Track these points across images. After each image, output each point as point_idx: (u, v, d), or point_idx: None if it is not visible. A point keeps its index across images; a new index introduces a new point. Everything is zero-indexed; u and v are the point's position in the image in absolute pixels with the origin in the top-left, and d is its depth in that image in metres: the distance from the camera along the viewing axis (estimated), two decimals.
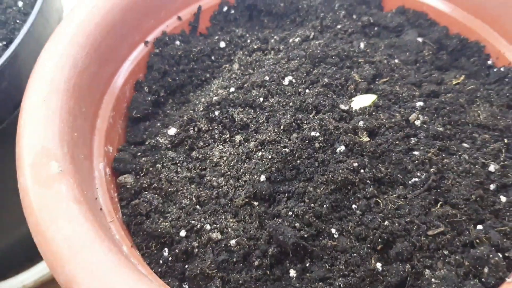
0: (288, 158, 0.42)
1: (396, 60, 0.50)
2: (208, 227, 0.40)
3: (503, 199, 0.40)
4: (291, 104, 0.46)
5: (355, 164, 0.41)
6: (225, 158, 0.44)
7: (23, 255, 0.61)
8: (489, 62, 0.50)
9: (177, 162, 0.45)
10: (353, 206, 0.39)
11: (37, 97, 0.40)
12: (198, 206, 0.42)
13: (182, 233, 0.40)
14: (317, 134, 0.43)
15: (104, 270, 0.31)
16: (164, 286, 0.35)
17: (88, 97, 0.44)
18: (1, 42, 0.56)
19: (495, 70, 0.49)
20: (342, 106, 0.45)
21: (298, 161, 0.42)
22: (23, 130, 0.38)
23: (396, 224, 0.37)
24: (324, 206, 0.39)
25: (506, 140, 0.44)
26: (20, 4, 0.61)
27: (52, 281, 0.63)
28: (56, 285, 0.33)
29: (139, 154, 0.47)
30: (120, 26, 0.48)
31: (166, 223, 0.41)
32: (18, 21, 0.59)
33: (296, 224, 0.38)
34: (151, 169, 0.45)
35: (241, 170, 0.43)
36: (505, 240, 0.37)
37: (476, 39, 0.51)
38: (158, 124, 0.49)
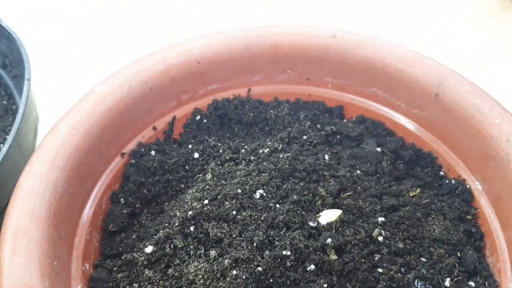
0: (261, 277, 0.45)
1: (358, 171, 0.54)
2: None
3: None
4: (262, 218, 0.49)
5: (325, 285, 0.43)
6: (200, 276, 0.46)
7: None
8: (441, 173, 0.55)
9: (154, 281, 0.46)
10: None
11: (18, 228, 0.41)
12: None
13: None
14: (288, 253, 0.45)
15: None
16: None
17: (67, 219, 0.45)
18: None
19: (446, 181, 0.54)
20: (311, 223, 0.48)
21: (271, 280, 0.45)
22: (4, 266, 0.39)
23: None
24: None
25: (459, 254, 0.48)
26: None
27: None
28: None
29: (115, 269, 0.48)
30: (98, 144, 0.50)
31: None
32: None
33: None
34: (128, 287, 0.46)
35: None
36: None
37: (429, 150, 0.56)
38: (134, 236, 0.51)
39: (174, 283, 0.46)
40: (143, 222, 0.52)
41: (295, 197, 0.50)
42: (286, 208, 0.49)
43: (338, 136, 0.59)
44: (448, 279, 0.46)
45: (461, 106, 0.52)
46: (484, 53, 0.91)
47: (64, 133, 0.47)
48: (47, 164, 0.45)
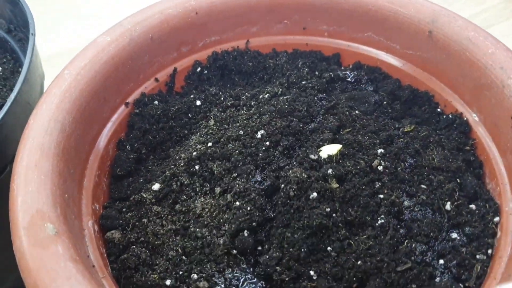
0: (265, 207, 0.46)
1: (357, 111, 0.56)
2: (195, 276, 0.43)
3: (457, 236, 0.45)
4: (264, 155, 0.50)
5: (328, 209, 0.45)
6: (207, 210, 0.48)
7: None
8: (438, 110, 0.56)
9: (162, 216, 0.48)
10: (328, 248, 0.43)
11: (29, 162, 0.42)
12: (184, 257, 0.45)
13: (171, 283, 0.43)
14: (292, 183, 0.47)
15: None
16: None
17: (75, 159, 0.47)
18: None
19: (444, 117, 0.55)
20: (312, 156, 0.49)
21: (275, 208, 0.46)
22: (17, 194, 0.40)
23: (368, 263, 0.41)
24: (302, 250, 0.43)
25: (458, 180, 0.49)
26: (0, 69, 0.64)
27: None
28: None
29: (124, 210, 0.49)
30: (102, 91, 0.51)
31: (155, 275, 0.43)
32: None
33: (277, 268, 0.42)
34: (137, 223, 0.47)
35: (222, 221, 0.46)
36: (462, 271, 0.42)
37: (425, 89, 0.57)
38: (141, 180, 0.52)
39: (182, 217, 0.48)
40: (150, 167, 0.54)
41: (296, 132, 0.51)
42: (288, 143, 0.50)
43: (336, 83, 0.60)
44: (448, 203, 0.47)
45: (454, 40, 0.53)
46: None
47: (69, 78, 0.49)
48: (54, 105, 0.46)
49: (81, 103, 0.48)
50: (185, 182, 0.49)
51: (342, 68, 0.62)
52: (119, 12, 0.99)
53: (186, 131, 0.56)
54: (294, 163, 0.49)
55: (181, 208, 0.48)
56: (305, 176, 0.47)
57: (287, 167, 0.48)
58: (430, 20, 0.54)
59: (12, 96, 0.49)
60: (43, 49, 0.88)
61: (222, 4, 0.58)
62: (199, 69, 0.60)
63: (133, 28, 0.54)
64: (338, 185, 0.47)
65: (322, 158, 0.50)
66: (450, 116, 0.55)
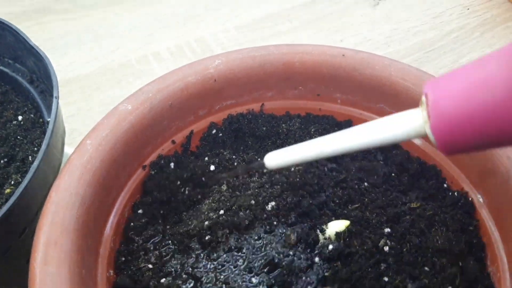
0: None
1: (366, 184, 0.57)
2: None
3: None
4: (276, 233, 0.52)
5: None
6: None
7: None
8: (445, 185, 0.58)
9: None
10: None
11: (50, 239, 0.44)
12: None
13: None
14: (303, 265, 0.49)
15: None
16: None
17: (93, 230, 0.49)
18: (3, 160, 0.61)
19: (450, 194, 0.57)
20: (320, 235, 0.51)
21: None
22: (36, 275, 0.42)
23: None
24: None
25: (460, 263, 0.51)
26: (20, 118, 0.67)
27: None
28: None
29: (135, 277, 0.51)
30: (122, 158, 0.53)
31: None
32: (18, 137, 0.64)
33: None
34: None
35: None
36: None
37: (433, 164, 0.59)
38: (150, 246, 0.54)
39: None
40: (161, 231, 0.56)
41: (305, 208, 0.53)
42: (298, 219, 0.52)
43: None
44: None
45: None
46: None
47: (91, 149, 0.51)
48: (75, 178, 0.48)
49: (101, 173, 0.50)
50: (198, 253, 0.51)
51: None
52: (135, 30, 1.02)
53: (199, 196, 0.57)
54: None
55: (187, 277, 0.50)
56: (317, 259, 0.49)
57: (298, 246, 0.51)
58: None
59: (36, 163, 0.51)
60: (61, 73, 0.90)
61: (241, 72, 0.60)
62: (214, 131, 0.62)
63: (153, 96, 0.56)
64: (344, 267, 0.49)
65: (328, 235, 0.51)
66: (456, 194, 0.56)
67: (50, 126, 0.53)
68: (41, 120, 0.66)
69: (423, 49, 1.01)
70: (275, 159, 0.47)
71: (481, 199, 0.54)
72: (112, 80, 0.91)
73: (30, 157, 0.61)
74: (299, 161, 0.46)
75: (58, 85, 0.57)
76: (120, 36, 1.02)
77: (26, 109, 0.67)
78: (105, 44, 0.99)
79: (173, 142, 0.60)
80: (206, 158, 0.60)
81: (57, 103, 0.56)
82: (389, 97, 0.59)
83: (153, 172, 0.58)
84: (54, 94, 0.57)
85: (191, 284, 0.50)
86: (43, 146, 0.52)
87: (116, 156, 0.52)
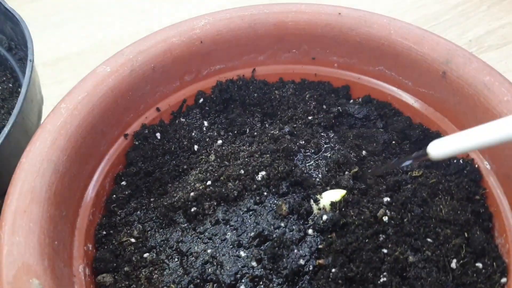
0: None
1: (364, 152, 0.53)
2: None
3: None
4: (263, 201, 0.48)
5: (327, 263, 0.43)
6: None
7: None
8: None
9: (155, 262, 0.46)
10: None
11: (18, 207, 0.41)
12: None
13: None
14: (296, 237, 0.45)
15: None
16: None
17: (69, 199, 0.45)
18: None
19: (454, 161, 0.53)
20: (314, 206, 0.47)
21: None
22: (3, 244, 0.39)
23: None
24: None
25: (466, 234, 0.47)
26: None
27: None
28: None
29: (117, 252, 0.48)
30: (100, 124, 0.49)
31: None
32: None
33: None
34: (128, 269, 0.46)
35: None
36: None
37: (437, 130, 0.55)
38: (135, 219, 0.51)
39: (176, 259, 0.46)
40: (146, 204, 0.52)
41: (298, 177, 0.49)
42: (290, 189, 0.49)
43: (345, 118, 0.58)
44: (454, 260, 0.45)
45: (469, 84, 0.50)
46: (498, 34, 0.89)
47: (65, 113, 0.47)
48: (48, 143, 0.45)
49: (76, 139, 0.47)
50: (183, 226, 0.48)
51: (351, 101, 0.59)
52: (128, 7, 0.98)
53: (185, 166, 0.54)
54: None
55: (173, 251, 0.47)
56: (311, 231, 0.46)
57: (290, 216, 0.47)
58: (445, 60, 0.52)
59: (6, 129, 0.47)
60: (51, 51, 0.87)
61: (229, 33, 0.56)
62: (201, 99, 0.58)
63: (134, 58, 0.52)
64: (338, 239, 0.45)
65: (323, 205, 0.48)
66: (461, 161, 0.52)
67: (23, 90, 0.50)
68: (19, 89, 0.62)
69: (427, 23, 0.96)
70: (442, 147, 0.40)
71: (488, 166, 0.50)
72: (104, 58, 0.87)
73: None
74: (472, 149, 0.39)
75: (47, 62, 0.53)
76: (112, 13, 0.98)
77: (4, 78, 0.64)
78: (96, 22, 0.95)
79: (158, 109, 0.56)
80: (193, 128, 0.57)
81: (32, 66, 0.52)
82: (389, 58, 0.55)
83: (137, 143, 0.54)
84: (29, 58, 0.53)
85: (176, 259, 0.47)
86: (15, 111, 0.48)
87: (93, 122, 0.49)
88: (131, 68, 0.51)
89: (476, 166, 0.51)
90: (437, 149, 0.40)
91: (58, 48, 0.89)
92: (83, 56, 0.88)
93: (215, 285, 0.44)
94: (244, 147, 0.54)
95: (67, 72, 0.85)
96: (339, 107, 0.57)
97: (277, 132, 0.54)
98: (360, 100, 0.59)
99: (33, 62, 0.53)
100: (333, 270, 0.43)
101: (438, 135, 0.55)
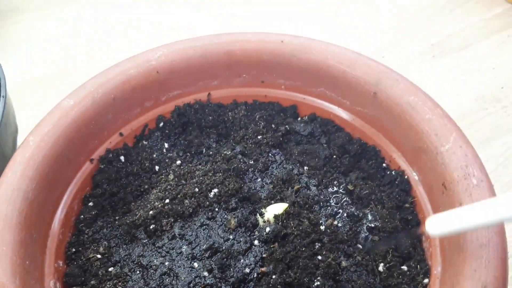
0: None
1: (306, 168, 0.59)
2: None
3: None
4: (217, 218, 0.54)
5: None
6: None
7: None
8: (384, 165, 0.60)
9: (119, 275, 0.52)
10: None
11: None
12: None
13: None
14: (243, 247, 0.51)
15: None
16: None
17: (39, 223, 0.51)
18: None
19: (388, 172, 0.59)
20: (260, 219, 0.53)
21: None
22: None
23: None
24: None
25: (394, 240, 0.53)
26: None
27: None
28: None
29: (85, 267, 0.54)
30: (66, 152, 0.55)
31: None
32: None
33: None
34: (94, 283, 0.52)
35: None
36: None
37: (373, 144, 0.61)
38: (100, 236, 0.56)
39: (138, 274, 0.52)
40: (111, 222, 0.58)
41: (245, 193, 0.55)
42: (239, 204, 0.54)
43: (291, 136, 0.64)
44: (381, 264, 0.51)
45: (396, 103, 0.56)
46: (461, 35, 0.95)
47: (33, 145, 0.53)
48: (18, 174, 0.50)
49: (44, 168, 0.52)
50: (144, 241, 0.54)
51: (298, 119, 0.65)
52: (97, 29, 1.00)
53: (147, 186, 0.59)
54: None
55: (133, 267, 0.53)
56: (256, 242, 0.51)
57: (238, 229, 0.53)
58: (375, 82, 0.57)
59: None
60: (24, 74, 0.89)
61: (183, 62, 0.61)
62: (162, 123, 0.64)
63: (95, 90, 0.58)
64: (280, 248, 0.51)
65: (267, 218, 0.54)
66: (393, 173, 0.58)
67: None
68: None
69: (391, 28, 1.01)
70: (440, 226, 0.42)
71: (416, 177, 0.56)
72: (72, 83, 0.90)
73: None
74: (470, 228, 0.41)
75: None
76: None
77: None
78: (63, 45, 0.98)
79: (121, 134, 0.62)
80: (154, 150, 0.62)
81: (4, 102, 0.58)
82: (328, 80, 0.61)
83: (102, 166, 0.60)
84: (1, 94, 0.59)
85: (138, 272, 0.53)
86: None
87: (59, 151, 0.54)
88: (92, 100, 0.57)
89: (406, 177, 0.57)
90: (435, 227, 0.42)
91: (29, 70, 0.90)
92: (53, 79, 0.90)
93: None
94: (200, 166, 0.60)
95: (40, 97, 0.87)
96: (286, 126, 0.63)
97: (229, 152, 0.60)
98: (306, 118, 0.65)
99: (6, 98, 0.58)
100: (274, 276, 0.49)
101: (374, 148, 0.61)
